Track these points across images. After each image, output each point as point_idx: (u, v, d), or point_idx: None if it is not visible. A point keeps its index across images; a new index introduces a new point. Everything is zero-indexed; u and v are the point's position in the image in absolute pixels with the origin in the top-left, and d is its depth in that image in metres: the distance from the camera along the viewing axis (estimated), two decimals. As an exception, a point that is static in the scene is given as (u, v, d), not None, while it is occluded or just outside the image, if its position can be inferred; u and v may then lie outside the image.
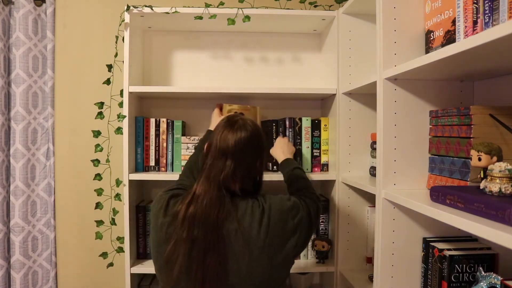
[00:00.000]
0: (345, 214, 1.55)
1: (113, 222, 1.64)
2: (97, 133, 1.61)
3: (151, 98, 1.78)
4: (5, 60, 1.68)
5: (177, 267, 0.94)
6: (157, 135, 1.61)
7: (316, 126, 1.65)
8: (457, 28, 0.92)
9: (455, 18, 0.94)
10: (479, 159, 0.85)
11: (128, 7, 1.51)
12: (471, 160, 0.89)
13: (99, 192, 1.65)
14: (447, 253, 1.01)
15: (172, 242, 0.95)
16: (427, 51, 1.07)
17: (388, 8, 1.09)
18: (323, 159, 1.65)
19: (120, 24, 1.53)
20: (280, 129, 1.64)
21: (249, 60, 1.81)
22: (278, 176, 1.56)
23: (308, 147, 1.64)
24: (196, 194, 1.00)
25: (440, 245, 1.06)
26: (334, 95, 1.57)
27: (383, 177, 1.11)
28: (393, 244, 1.11)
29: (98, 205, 1.63)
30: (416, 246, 1.12)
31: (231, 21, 1.57)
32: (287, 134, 1.63)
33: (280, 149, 1.48)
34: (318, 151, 1.65)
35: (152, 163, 1.61)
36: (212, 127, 1.45)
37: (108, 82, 1.60)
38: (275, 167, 1.64)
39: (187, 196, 1.01)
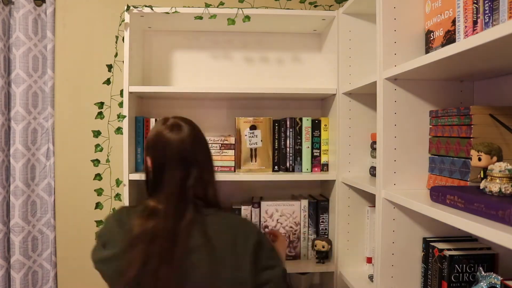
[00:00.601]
0: (345, 214, 1.55)
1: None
2: (97, 133, 1.61)
3: (151, 98, 1.78)
4: (5, 60, 1.68)
5: (128, 276, 0.86)
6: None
7: (316, 126, 1.65)
8: (457, 28, 0.92)
9: (455, 18, 0.94)
10: (479, 159, 0.85)
11: (128, 7, 1.51)
12: (471, 160, 0.89)
13: (99, 192, 1.65)
14: (447, 253, 1.01)
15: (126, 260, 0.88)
16: (427, 51, 1.07)
17: (388, 8, 1.09)
18: (323, 159, 1.65)
19: (120, 24, 1.53)
20: (282, 129, 1.64)
21: (249, 60, 1.81)
22: (279, 176, 1.57)
23: (308, 147, 1.64)
24: (154, 209, 0.93)
25: (440, 245, 1.06)
26: (334, 95, 1.57)
27: (383, 177, 1.11)
28: (393, 244, 1.11)
29: (98, 205, 1.63)
30: (416, 246, 1.12)
31: (231, 21, 1.57)
32: (288, 134, 1.63)
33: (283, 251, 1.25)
34: (318, 151, 1.65)
35: (152, 163, 1.60)
36: None
37: (108, 82, 1.60)
38: (276, 167, 1.64)
39: (142, 211, 0.94)
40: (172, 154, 0.94)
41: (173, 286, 0.87)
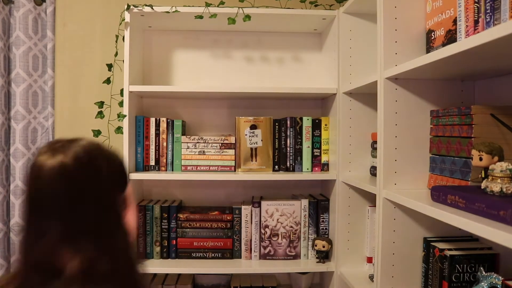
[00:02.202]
0: (345, 214, 1.55)
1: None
2: (97, 133, 1.61)
3: (151, 98, 1.77)
4: (5, 60, 1.68)
5: None
6: (157, 135, 1.61)
7: (316, 125, 1.65)
8: (458, 28, 0.92)
9: (456, 17, 0.94)
10: (480, 159, 0.85)
11: (129, 6, 1.51)
12: (472, 160, 0.89)
13: (99, 191, 1.65)
14: (448, 253, 1.01)
15: None
16: (428, 51, 1.07)
17: (389, 8, 1.09)
18: (324, 158, 1.65)
19: (120, 23, 1.53)
20: (283, 128, 1.64)
21: (250, 59, 1.81)
22: (279, 176, 1.57)
23: (309, 147, 1.64)
24: None
25: (440, 245, 1.06)
26: (335, 94, 1.57)
27: (384, 176, 1.11)
28: (393, 244, 1.11)
29: (98, 205, 1.62)
30: (417, 246, 1.12)
31: (232, 21, 1.56)
32: (288, 133, 1.63)
33: None
34: (319, 150, 1.65)
35: (152, 162, 1.60)
36: None
37: (108, 81, 1.60)
38: (276, 166, 1.64)
39: None
40: (43, 195, 0.61)
41: None
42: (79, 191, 0.61)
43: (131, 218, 0.69)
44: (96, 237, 0.62)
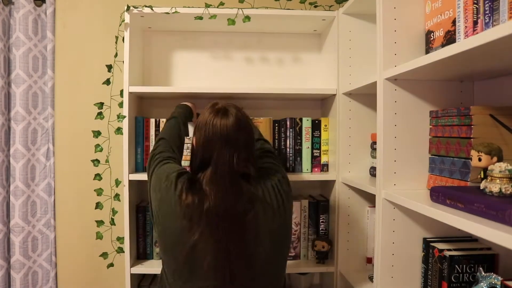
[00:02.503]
0: (345, 214, 1.55)
1: (112, 222, 1.64)
2: (97, 133, 1.61)
3: (151, 98, 1.78)
4: (5, 60, 1.68)
5: (204, 265, 0.95)
6: (157, 135, 1.61)
7: (316, 126, 1.65)
8: (457, 29, 0.92)
9: (455, 18, 0.94)
10: (479, 160, 0.85)
11: (128, 7, 1.51)
12: (471, 160, 0.89)
13: (99, 192, 1.65)
14: (447, 253, 1.01)
15: (194, 240, 0.95)
16: (427, 51, 1.07)
17: (388, 9, 1.09)
18: (323, 159, 1.65)
19: (120, 24, 1.53)
20: (282, 129, 1.64)
21: (249, 60, 1.81)
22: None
23: (308, 147, 1.64)
24: (207, 190, 0.98)
25: (440, 246, 1.06)
26: (334, 95, 1.57)
27: (383, 177, 1.11)
28: (393, 245, 1.11)
29: (98, 205, 1.63)
30: (416, 247, 1.12)
31: (231, 21, 1.57)
32: (288, 134, 1.63)
33: None
34: (318, 151, 1.65)
35: (152, 163, 1.60)
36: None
37: (108, 82, 1.60)
38: (275, 167, 1.64)
39: (196, 189, 1.00)
40: (217, 138, 1.01)
41: (247, 265, 0.98)
42: (239, 136, 1.03)
43: None
44: (249, 159, 1.06)
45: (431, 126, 1.10)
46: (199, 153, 1.05)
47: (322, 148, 1.65)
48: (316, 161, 1.65)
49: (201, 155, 1.04)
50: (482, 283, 0.87)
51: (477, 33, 0.84)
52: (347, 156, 1.54)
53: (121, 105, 1.55)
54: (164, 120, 1.61)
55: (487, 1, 0.81)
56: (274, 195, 1.03)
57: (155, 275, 1.68)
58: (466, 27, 0.88)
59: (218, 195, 0.97)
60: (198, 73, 1.79)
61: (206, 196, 0.97)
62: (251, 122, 1.13)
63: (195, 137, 1.07)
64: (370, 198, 1.53)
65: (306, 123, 1.64)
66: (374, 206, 1.18)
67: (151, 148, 1.60)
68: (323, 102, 1.79)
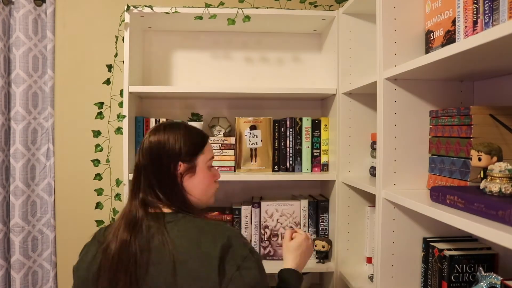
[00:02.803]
0: (345, 214, 1.55)
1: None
2: (97, 133, 1.61)
3: (151, 98, 1.78)
4: (5, 60, 1.68)
5: None
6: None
7: (316, 126, 1.65)
8: (457, 28, 0.92)
9: (455, 18, 0.94)
10: (479, 159, 0.85)
11: (128, 7, 1.51)
12: (471, 160, 0.89)
13: (99, 192, 1.65)
14: (447, 253, 1.01)
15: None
16: (427, 51, 1.07)
17: (388, 8, 1.09)
18: (323, 159, 1.65)
19: (120, 24, 1.53)
20: (282, 129, 1.64)
21: (249, 60, 1.81)
22: (279, 176, 1.57)
23: (308, 147, 1.64)
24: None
25: (440, 245, 1.06)
26: (334, 95, 1.57)
27: (383, 177, 1.11)
28: (393, 244, 1.11)
29: (98, 205, 1.63)
30: (416, 246, 1.12)
31: (231, 21, 1.57)
32: (288, 134, 1.63)
33: (296, 252, 1.12)
34: (318, 151, 1.65)
35: (152, 163, 1.60)
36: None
37: (108, 82, 1.60)
38: (276, 167, 1.64)
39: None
40: (139, 154, 0.96)
41: None
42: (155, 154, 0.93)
43: (193, 182, 0.96)
44: (164, 185, 0.93)
45: (431, 126, 1.10)
46: None
47: (322, 148, 1.65)
48: (316, 161, 1.65)
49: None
50: (482, 283, 0.87)
51: (477, 33, 0.84)
52: (347, 156, 1.54)
53: (121, 105, 1.55)
54: (165, 119, 1.61)
55: (487, 1, 0.81)
56: (182, 246, 0.83)
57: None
58: (466, 27, 0.88)
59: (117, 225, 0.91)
60: (198, 73, 1.79)
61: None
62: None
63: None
64: (370, 198, 1.53)
65: (306, 123, 1.64)
66: (374, 206, 1.18)
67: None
68: (323, 102, 1.79)
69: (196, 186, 0.97)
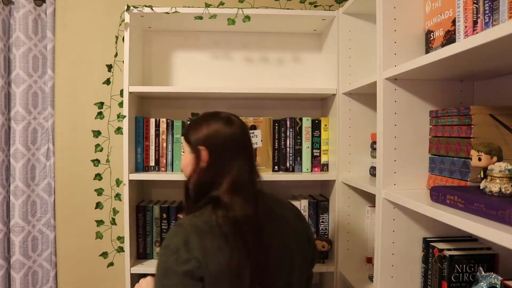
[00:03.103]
0: (345, 214, 1.55)
1: (113, 222, 1.64)
2: (97, 133, 1.61)
3: (151, 98, 1.78)
4: (5, 60, 1.68)
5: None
6: (157, 135, 1.61)
7: (316, 126, 1.65)
8: (457, 28, 0.92)
9: (455, 18, 0.94)
10: (479, 159, 0.85)
11: (128, 7, 1.51)
12: (471, 160, 0.89)
13: (99, 192, 1.65)
14: (447, 253, 1.01)
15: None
16: (427, 51, 1.07)
17: (388, 8, 1.09)
18: (323, 159, 1.65)
19: (120, 24, 1.53)
20: (282, 129, 1.64)
21: (249, 60, 1.81)
22: (279, 176, 1.57)
23: (308, 147, 1.64)
24: (229, 203, 0.92)
25: (440, 245, 1.06)
26: (334, 95, 1.57)
27: (383, 177, 1.11)
28: (393, 244, 1.11)
29: (98, 205, 1.63)
30: (416, 246, 1.12)
31: (231, 21, 1.57)
32: (288, 134, 1.63)
33: None
34: (318, 151, 1.65)
35: (152, 163, 1.60)
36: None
37: (108, 82, 1.60)
38: (276, 167, 1.64)
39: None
40: (235, 146, 0.98)
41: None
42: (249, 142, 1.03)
43: None
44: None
45: (431, 126, 1.10)
46: (207, 167, 0.98)
47: (322, 148, 1.65)
48: (316, 161, 1.65)
49: (212, 168, 0.97)
50: (482, 283, 0.87)
51: (477, 33, 0.84)
52: (347, 156, 1.54)
53: (121, 105, 1.55)
54: (165, 120, 1.61)
55: (487, 1, 0.81)
56: (291, 218, 1.07)
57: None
58: (466, 27, 0.88)
59: (244, 205, 0.92)
60: (198, 73, 1.79)
61: (231, 208, 0.91)
62: None
63: (203, 151, 0.98)
64: (370, 198, 1.53)
65: (306, 123, 1.64)
66: (374, 206, 1.18)
67: (151, 147, 1.60)
68: (323, 102, 1.79)
69: None
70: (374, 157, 1.42)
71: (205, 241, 0.89)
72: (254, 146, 1.61)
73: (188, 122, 1.10)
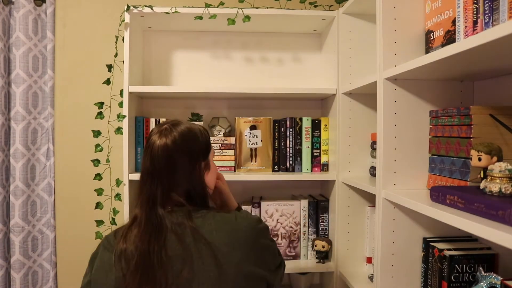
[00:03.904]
0: (345, 214, 1.55)
1: (113, 222, 1.64)
2: (97, 133, 1.61)
3: (151, 98, 1.78)
4: (5, 60, 1.68)
5: None
6: (157, 135, 1.61)
7: (316, 126, 1.65)
8: (457, 28, 0.92)
9: (455, 18, 0.94)
10: (479, 159, 0.85)
11: (128, 7, 1.51)
12: (471, 160, 0.89)
13: (99, 192, 1.65)
14: (447, 253, 1.01)
15: None
16: (427, 51, 1.07)
17: (388, 8, 1.09)
18: (323, 159, 1.65)
19: (120, 24, 1.53)
20: (282, 129, 1.64)
21: (249, 60, 1.81)
22: (279, 176, 1.57)
23: (308, 147, 1.64)
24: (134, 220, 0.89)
25: (440, 245, 1.06)
26: (334, 95, 1.57)
27: (383, 177, 1.11)
28: (393, 244, 1.11)
29: (98, 205, 1.63)
30: (416, 246, 1.12)
31: (231, 21, 1.57)
32: (288, 134, 1.63)
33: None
34: (318, 151, 1.65)
35: (152, 163, 1.60)
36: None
37: (108, 82, 1.60)
38: (276, 167, 1.64)
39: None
40: (153, 160, 0.91)
41: None
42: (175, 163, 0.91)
43: (209, 177, 1.00)
44: (192, 183, 0.94)
45: (431, 126, 1.10)
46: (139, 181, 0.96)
47: (322, 148, 1.65)
48: (316, 161, 1.65)
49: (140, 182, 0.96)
50: (482, 283, 0.87)
51: (477, 33, 0.84)
52: (347, 156, 1.54)
53: (121, 105, 1.55)
54: (165, 119, 1.61)
55: (487, 1, 0.81)
56: (218, 239, 0.84)
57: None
58: (466, 26, 0.88)
59: (139, 225, 0.87)
60: (198, 73, 1.79)
61: (132, 230, 0.88)
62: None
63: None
64: (370, 198, 1.53)
65: (306, 123, 1.64)
66: (374, 206, 1.18)
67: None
68: (323, 102, 1.79)
69: (210, 181, 1.01)
70: (374, 157, 1.42)
71: (104, 256, 0.91)
72: (254, 146, 1.61)
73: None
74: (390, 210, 1.11)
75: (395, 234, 1.11)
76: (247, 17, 1.55)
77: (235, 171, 1.62)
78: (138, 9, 1.52)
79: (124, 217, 1.50)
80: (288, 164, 1.64)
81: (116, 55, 1.59)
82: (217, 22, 1.61)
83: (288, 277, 1.76)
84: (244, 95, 1.68)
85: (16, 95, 1.69)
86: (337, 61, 1.55)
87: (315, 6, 1.67)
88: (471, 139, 0.93)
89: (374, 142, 1.41)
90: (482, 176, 0.86)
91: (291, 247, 1.64)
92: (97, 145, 1.63)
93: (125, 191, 1.50)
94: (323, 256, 1.61)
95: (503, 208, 0.68)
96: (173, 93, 1.63)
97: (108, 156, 1.64)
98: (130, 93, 1.52)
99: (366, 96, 1.53)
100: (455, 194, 0.83)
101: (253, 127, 1.61)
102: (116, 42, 1.60)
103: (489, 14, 0.81)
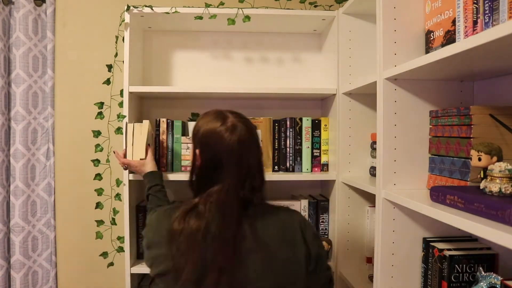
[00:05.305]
0: (345, 214, 1.55)
1: (113, 222, 1.64)
2: (97, 133, 1.61)
3: (151, 98, 1.78)
4: (5, 60, 1.68)
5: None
6: (157, 135, 1.61)
7: (316, 126, 1.65)
8: (457, 28, 0.92)
9: (455, 18, 0.94)
10: (479, 159, 0.85)
11: (128, 7, 1.51)
12: (471, 160, 0.89)
13: (99, 192, 1.65)
14: (447, 253, 1.01)
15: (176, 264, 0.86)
16: (427, 51, 1.07)
17: (388, 8, 1.09)
18: (323, 159, 1.65)
19: (120, 24, 1.53)
20: (282, 129, 1.64)
21: (249, 60, 1.81)
22: (279, 176, 1.57)
23: (308, 147, 1.64)
24: (198, 207, 0.91)
25: (440, 245, 1.06)
26: (334, 95, 1.58)
27: (383, 177, 1.11)
28: (393, 244, 1.11)
29: (98, 205, 1.63)
30: (416, 246, 1.12)
31: (231, 21, 1.57)
32: (288, 134, 1.64)
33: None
34: (318, 151, 1.65)
35: (152, 163, 1.60)
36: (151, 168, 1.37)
37: (108, 82, 1.60)
38: (276, 167, 1.64)
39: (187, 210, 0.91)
40: (229, 156, 0.92)
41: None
42: (251, 155, 0.96)
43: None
44: (259, 184, 1.00)
45: (431, 126, 1.10)
46: (200, 170, 0.97)
47: (322, 148, 1.65)
48: (316, 161, 1.65)
49: (203, 173, 0.96)
50: (482, 283, 0.87)
51: (477, 33, 0.84)
52: (347, 156, 1.54)
53: (121, 105, 1.55)
54: (165, 120, 1.61)
55: (487, 1, 0.81)
56: (272, 237, 0.91)
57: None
58: (466, 27, 0.89)
59: (216, 214, 0.88)
60: (198, 73, 1.80)
61: (199, 216, 0.89)
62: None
63: (197, 150, 0.99)
64: (370, 198, 1.54)
65: (306, 123, 1.64)
66: (374, 206, 1.18)
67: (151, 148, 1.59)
68: (323, 102, 1.79)
69: None
70: (374, 157, 1.42)
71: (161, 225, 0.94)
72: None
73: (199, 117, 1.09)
74: (390, 210, 1.11)
75: (395, 234, 1.11)
76: (247, 17, 1.55)
77: (235, 171, 1.62)
78: (138, 9, 1.52)
79: (124, 217, 1.50)
80: (288, 164, 1.64)
81: (116, 55, 1.59)
82: (217, 22, 1.61)
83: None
84: (244, 95, 1.68)
85: (16, 95, 1.69)
86: (337, 61, 1.55)
87: (315, 6, 1.67)
88: (471, 139, 0.93)
89: (374, 142, 1.41)
90: (482, 176, 0.86)
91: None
92: (97, 145, 1.63)
93: (125, 191, 1.50)
94: (323, 256, 1.61)
95: (503, 208, 0.68)
96: (173, 93, 1.63)
97: (108, 156, 1.64)
98: (130, 93, 1.52)
99: (366, 96, 1.53)
100: (455, 194, 0.83)
101: None
102: (116, 42, 1.60)
103: (489, 14, 0.81)
